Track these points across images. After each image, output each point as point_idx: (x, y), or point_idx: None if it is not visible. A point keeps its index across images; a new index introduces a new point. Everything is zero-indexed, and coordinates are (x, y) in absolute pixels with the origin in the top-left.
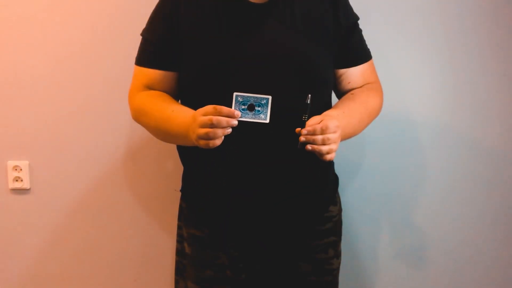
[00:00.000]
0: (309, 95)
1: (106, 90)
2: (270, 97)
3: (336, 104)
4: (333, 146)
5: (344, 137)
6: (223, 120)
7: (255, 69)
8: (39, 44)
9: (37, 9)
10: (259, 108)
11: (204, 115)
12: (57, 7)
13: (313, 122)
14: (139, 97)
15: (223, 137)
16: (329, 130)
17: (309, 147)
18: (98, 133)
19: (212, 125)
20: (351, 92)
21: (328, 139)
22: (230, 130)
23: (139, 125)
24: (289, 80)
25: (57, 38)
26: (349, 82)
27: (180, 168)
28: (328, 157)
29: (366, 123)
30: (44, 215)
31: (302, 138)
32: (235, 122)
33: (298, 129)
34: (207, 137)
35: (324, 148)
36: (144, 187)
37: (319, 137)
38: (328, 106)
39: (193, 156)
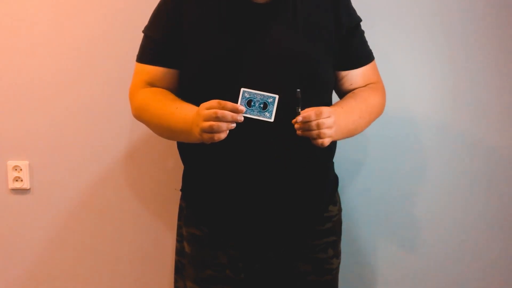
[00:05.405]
0: (298, 90)
1: (106, 89)
2: (277, 96)
3: (336, 103)
4: (326, 131)
5: (346, 134)
6: (228, 114)
7: (256, 68)
8: (38, 44)
9: (37, 9)
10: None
11: (208, 109)
12: (56, 6)
13: (307, 110)
14: (141, 94)
15: (228, 131)
16: (323, 115)
17: (299, 131)
18: (98, 133)
19: (216, 119)
20: (353, 91)
21: (323, 123)
22: (234, 124)
23: (139, 124)
24: (289, 80)
25: (57, 38)
26: (351, 84)
27: (180, 167)
28: (320, 141)
29: (367, 120)
30: (44, 215)
31: (297, 126)
32: (240, 118)
33: (294, 120)
34: (211, 130)
35: (315, 132)
36: (144, 187)
37: (313, 123)
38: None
39: (193, 154)
